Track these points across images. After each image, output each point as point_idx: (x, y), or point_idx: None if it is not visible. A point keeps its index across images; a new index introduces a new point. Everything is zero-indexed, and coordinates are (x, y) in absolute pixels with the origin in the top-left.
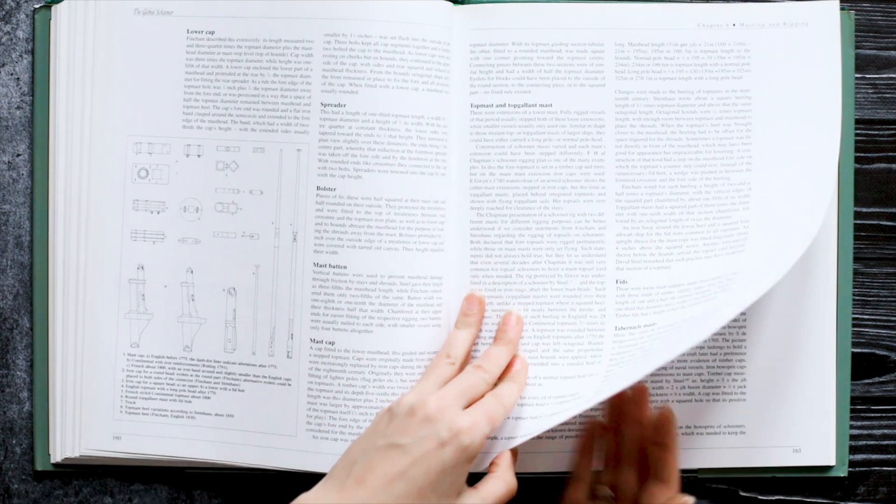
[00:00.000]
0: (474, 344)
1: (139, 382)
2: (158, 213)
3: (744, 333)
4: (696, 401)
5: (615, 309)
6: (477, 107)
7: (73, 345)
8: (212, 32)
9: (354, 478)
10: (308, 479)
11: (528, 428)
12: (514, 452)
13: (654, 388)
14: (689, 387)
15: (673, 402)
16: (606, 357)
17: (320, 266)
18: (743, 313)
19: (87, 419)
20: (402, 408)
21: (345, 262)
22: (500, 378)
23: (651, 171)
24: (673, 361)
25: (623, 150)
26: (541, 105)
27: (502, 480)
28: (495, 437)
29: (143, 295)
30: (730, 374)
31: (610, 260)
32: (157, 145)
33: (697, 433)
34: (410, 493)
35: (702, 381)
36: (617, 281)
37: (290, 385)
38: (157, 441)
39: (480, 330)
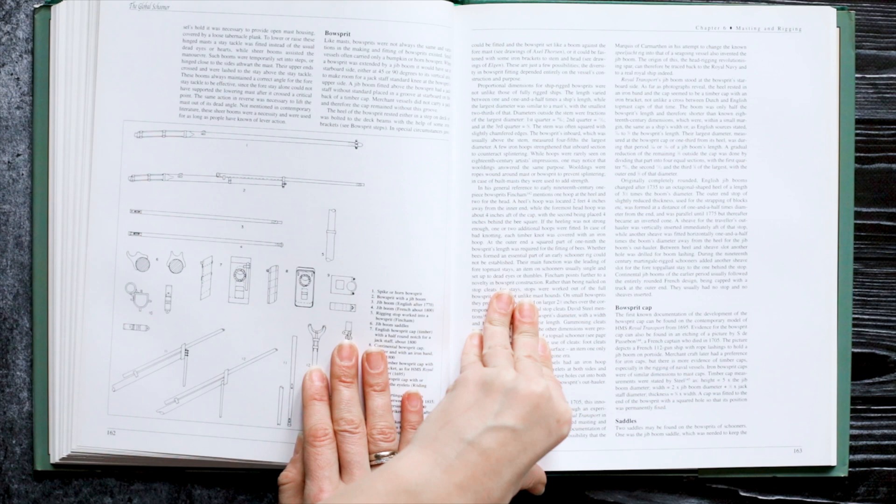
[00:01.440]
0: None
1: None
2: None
3: (744, 333)
4: (696, 401)
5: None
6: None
7: (70, 343)
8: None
9: (464, 460)
10: None
11: None
12: None
13: (654, 388)
14: (690, 386)
15: (674, 401)
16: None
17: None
18: (744, 313)
19: (80, 417)
20: (504, 383)
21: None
22: None
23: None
24: (674, 361)
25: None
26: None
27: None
28: None
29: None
30: (730, 373)
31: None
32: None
33: (698, 433)
34: (513, 478)
35: (702, 380)
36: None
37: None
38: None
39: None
